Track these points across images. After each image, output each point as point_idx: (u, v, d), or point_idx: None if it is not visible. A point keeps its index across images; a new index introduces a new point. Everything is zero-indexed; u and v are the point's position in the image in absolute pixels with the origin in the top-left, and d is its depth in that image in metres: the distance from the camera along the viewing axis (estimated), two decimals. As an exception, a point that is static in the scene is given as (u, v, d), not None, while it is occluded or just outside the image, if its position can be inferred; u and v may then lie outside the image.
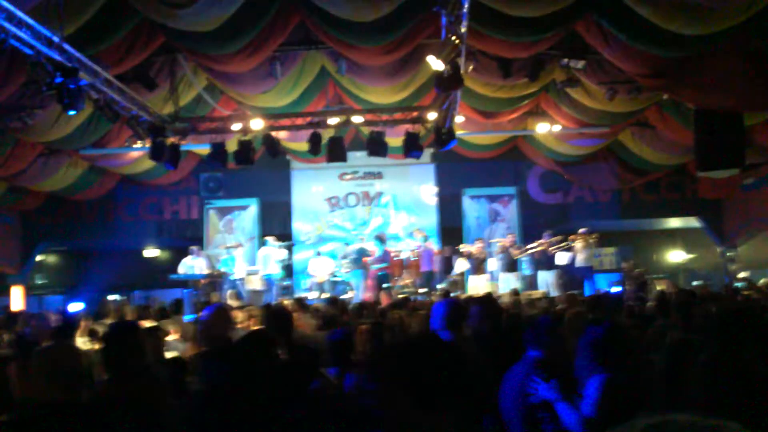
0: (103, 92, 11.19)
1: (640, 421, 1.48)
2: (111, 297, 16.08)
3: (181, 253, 18.74)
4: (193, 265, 17.87)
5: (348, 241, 18.73)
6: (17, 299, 19.96)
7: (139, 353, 4.05)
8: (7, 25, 8.25)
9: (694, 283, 21.46)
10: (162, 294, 19.64)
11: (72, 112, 10.61)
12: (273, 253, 18.15)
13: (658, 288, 16.44)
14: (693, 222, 21.11)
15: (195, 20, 10.41)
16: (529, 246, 18.12)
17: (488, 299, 7.30)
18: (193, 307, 12.61)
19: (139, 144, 15.10)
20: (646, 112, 15.30)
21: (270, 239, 18.41)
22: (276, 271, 18.08)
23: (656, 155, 17.32)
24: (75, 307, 17.04)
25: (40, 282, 24.54)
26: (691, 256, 23.42)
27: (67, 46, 9.50)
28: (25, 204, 19.24)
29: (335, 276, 18.80)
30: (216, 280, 17.88)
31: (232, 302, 15.78)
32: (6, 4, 8.09)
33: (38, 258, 22.50)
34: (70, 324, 6.83)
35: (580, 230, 17.17)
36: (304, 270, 19.60)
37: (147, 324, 7.24)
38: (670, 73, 11.55)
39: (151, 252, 24.11)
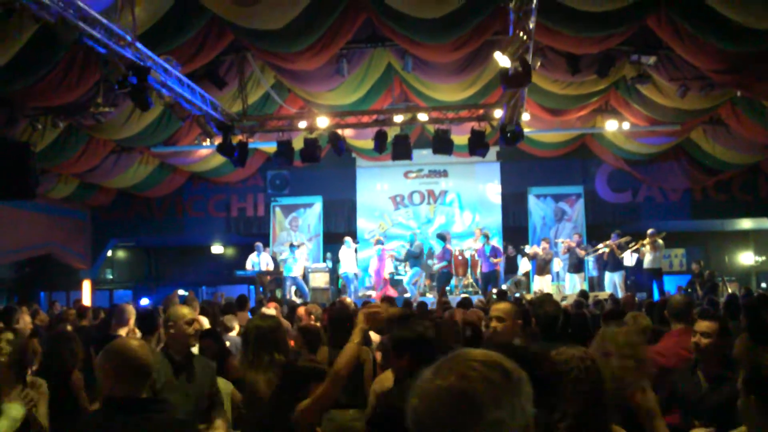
0: (174, 90, 11.36)
1: None
2: (179, 292, 16.33)
3: (247, 249, 18.97)
4: (258, 261, 18.09)
5: (410, 239, 18.69)
6: (88, 294, 20.47)
7: None
8: (81, 24, 8.43)
9: (764, 285, 20.92)
10: (228, 290, 19.98)
11: (143, 111, 10.85)
12: (349, 252, 18.24)
13: (729, 291, 16.01)
14: (766, 223, 20.53)
15: (263, 18, 10.51)
16: (595, 246, 17.84)
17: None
18: (257, 304, 12.73)
19: (207, 142, 15.34)
20: (719, 109, 14.89)
21: (347, 239, 18.49)
22: (351, 270, 18.17)
23: (729, 154, 16.85)
24: (143, 302, 17.46)
25: (109, 277, 25.13)
26: (763, 258, 22.74)
27: (139, 45, 9.67)
28: (96, 200, 19.74)
29: (397, 274, 18.80)
30: (280, 277, 18.08)
31: (296, 299, 15.98)
32: (80, 4, 8.27)
33: (108, 253, 23.03)
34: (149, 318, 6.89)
35: (649, 231, 16.81)
36: (366, 268, 19.65)
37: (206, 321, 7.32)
38: (744, 69, 11.25)
39: (217, 248, 24.48)
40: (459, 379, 1.49)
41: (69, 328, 8.72)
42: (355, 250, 19.14)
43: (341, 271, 18.40)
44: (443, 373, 1.52)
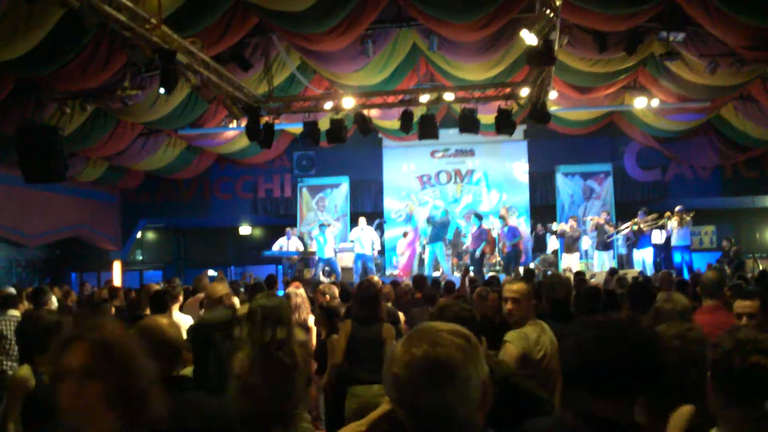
0: (200, 73, 11.39)
1: None
2: (209, 272, 16.50)
3: (275, 230, 19.08)
4: (287, 245, 18.21)
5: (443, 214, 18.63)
6: (118, 274, 20.74)
7: None
8: (106, 8, 8.46)
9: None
10: (256, 270, 20.12)
11: (168, 93, 10.89)
12: (366, 232, 18.23)
13: (761, 267, 15.86)
14: (797, 199, 20.23)
15: (288, 0, 10.49)
16: (624, 224, 17.72)
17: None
18: (284, 285, 12.83)
19: (234, 124, 15.38)
20: (749, 85, 14.64)
21: (361, 220, 18.49)
22: (369, 251, 18.17)
23: (760, 130, 16.58)
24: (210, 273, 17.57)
25: (139, 258, 25.41)
26: (795, 234, 22.46)
27: (164, 28, 9.69)
28: (125, 183, 19.94)
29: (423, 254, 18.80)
30: (308, 257, 18.17)
31: (325, 279, 16.06)
32: (106, -12, 8.30)
33: (138, 235, 23.27)
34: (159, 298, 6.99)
35: (677, 208, 16.67)
36: (394, 248, 19.68)
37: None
38: (775, 45, 11.04)
39: (245, 229, 24.62)
40: (432, 346, 1.79)
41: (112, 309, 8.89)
42: (381, 230, 19.21)
43: (356, 251, 18.34)
44: (415, 343, 1.81)
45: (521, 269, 15.77)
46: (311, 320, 7.45)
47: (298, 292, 7.71)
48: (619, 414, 2.05)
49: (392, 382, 1.81)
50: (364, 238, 18.11)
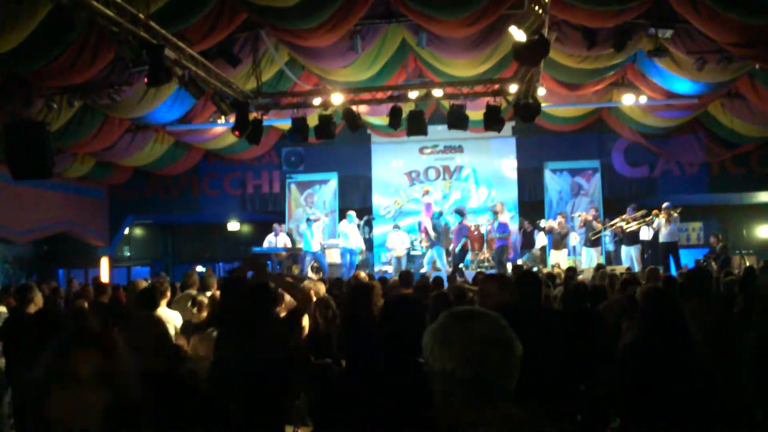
0: (188, 68, 11.35)
1: None
2: (197, 269, 16.48)
3: (263, 226, 19.04)
4: (275, 242, 18.21)
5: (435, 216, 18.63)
6: (106, 271, 20.67)
7: None
8: (93, 3, 8.43)
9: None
10: (245, 266, 20.01)
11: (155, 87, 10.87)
12: (351, 227, 18.23)
13: (747, 264, 15.93)
14: (785, 196, 20.35)
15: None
16: (611, 220, 17.79)
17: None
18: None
19: (222, 120, 15.35)
20: (737, 82, 14.73)
21: (351, 213, 18.48)
22: (355, 245, 18.16)
23: (747, 127, 16.68)
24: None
25: (127, 254, 25.32)
26: (782, 231, 22.58)
27: (152, 24, 9.66)
28: (112, 179, 19.86)
29: (413, 250, 18.83)
30: (297, 254, 18.17)
31: (312, 275, 16.06)
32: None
33: (126, 231, 23.19)
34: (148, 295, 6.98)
35: (664, 204, 16.74)
36: (383, 244, 19.69)
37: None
38: (762, 42, 11.08)
39: (233, 225, 24.58)
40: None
41: (86, 304, 8.81)
42: (370, 223, 19.21)
43: (342, 245, 18.34)
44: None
45: (509, 266, 15.81)
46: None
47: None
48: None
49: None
50: (351, 232, 18.12)
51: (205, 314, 6.49)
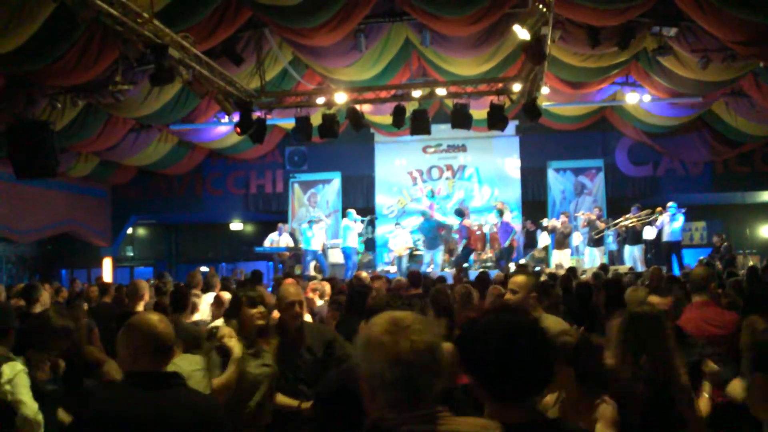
0: (192, 68, 11.33)
1: None
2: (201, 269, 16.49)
3: (266, 226, 19.02)
4: (278, 240, 18.18)
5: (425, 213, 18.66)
6: (108, 271, 20.65)
7: None
8: (97, 2, 8.41)
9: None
10: (247, 266, 20.06)
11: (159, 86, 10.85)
12: (352, 225, 18.19)
13: (750, 263, 15.89)
14: (788, 196, 20.31)
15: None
16: (615, 220, 17.76)
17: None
18: (274, 282, 12.83)
19: (226, 119, 15.33)
20: (741, 81, 14.67)
21: (352, 212, 18.43)
22: (355, 244, 18.14)
23: (751, 126, 16.64)
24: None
25: (130, 254, 25.32)
26: (786, 230, 22.53)
27: (156, 23, 9.64)
28: (116, 178, 19.86)
29: (416, 249, 18.79)
30: (299, 253, 18.15)
31: (315, 274, 16.04)
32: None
33: (129, 231, 23.18)
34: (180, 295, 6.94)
35: (668, 204, 16.71)
36: (386, 243, 19.66)
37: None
38: (767, 40, 11.05)
39: (236, 225, 24.57)
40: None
41: (85, 305, 8.79)
42: (373, 222, 19.21)
43: (341, 245, 18.29)
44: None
45: (512, 266, 15.78)
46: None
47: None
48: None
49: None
50: (352, 230, 18.10)
51: None
